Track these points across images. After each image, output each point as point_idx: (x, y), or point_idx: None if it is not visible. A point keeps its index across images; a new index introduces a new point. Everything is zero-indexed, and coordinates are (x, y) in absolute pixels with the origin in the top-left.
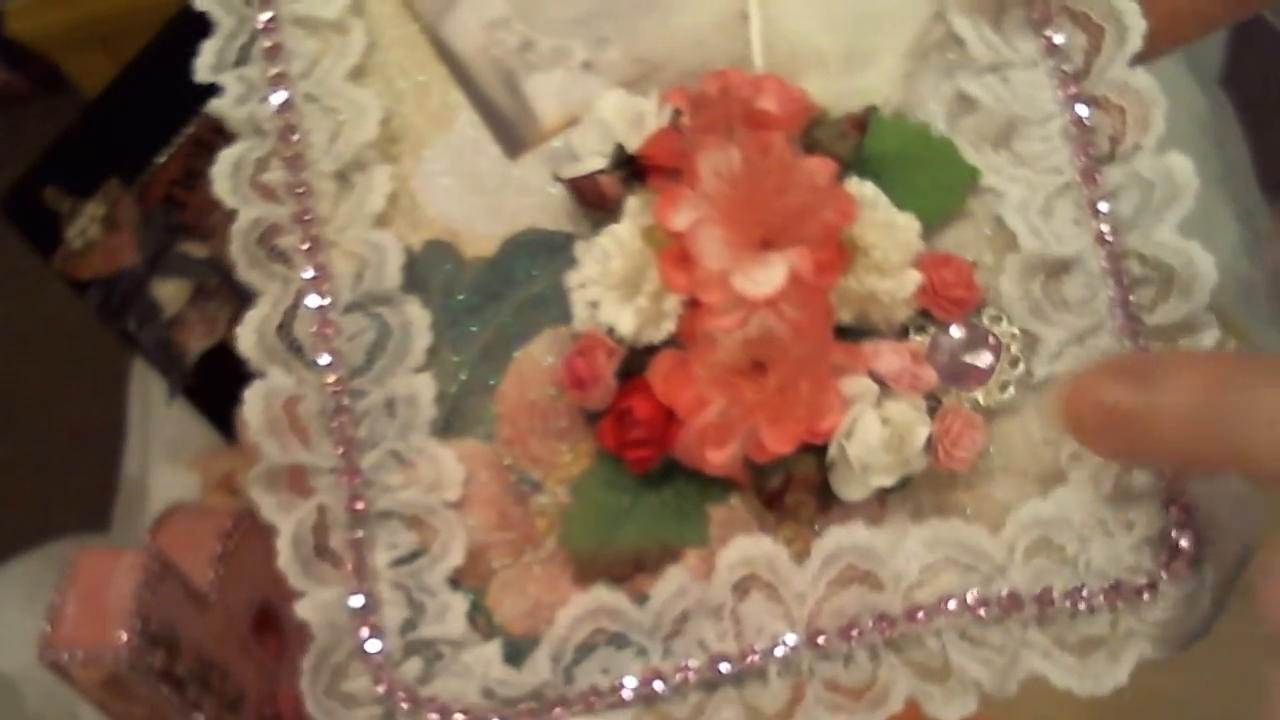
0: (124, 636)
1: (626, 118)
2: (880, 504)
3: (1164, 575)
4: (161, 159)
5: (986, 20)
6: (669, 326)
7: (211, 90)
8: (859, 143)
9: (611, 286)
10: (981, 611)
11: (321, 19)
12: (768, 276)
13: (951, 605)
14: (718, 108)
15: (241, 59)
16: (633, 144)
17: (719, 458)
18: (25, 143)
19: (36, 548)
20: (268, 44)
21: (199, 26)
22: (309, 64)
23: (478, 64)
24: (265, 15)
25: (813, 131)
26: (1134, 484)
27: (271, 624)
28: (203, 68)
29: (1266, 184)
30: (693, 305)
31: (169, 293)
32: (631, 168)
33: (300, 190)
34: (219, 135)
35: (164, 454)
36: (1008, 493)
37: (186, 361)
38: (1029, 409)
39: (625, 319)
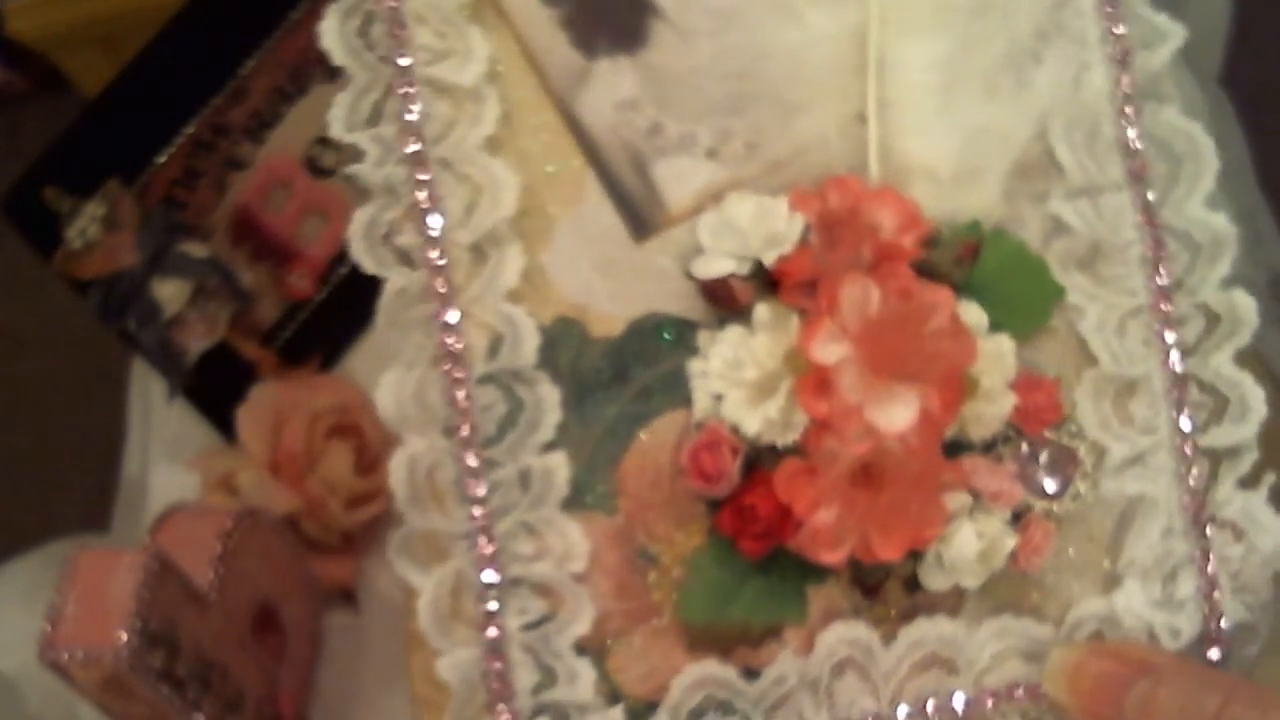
0: (124, 636)
1: (759, 225)
2: (959, 594)
3: None
4: (161, 159)
5: (1081, 139)
6: (794, 436)
7: (211, 91)
8: (971, 268)
9: (739, 384)
10: (1050, 699)
11: (457, 84)
12: (901, 414)
13: (1019, 692)
14: (847, 230)
15: (374, 117)
16: (767, 257)
17: (833, 558)
18: (25, 143)
19: (36, 548)
20: (403, 104)
21: (199, 27)
22: (444, 128)
23: (608, 143)
24: (402, 76)
25: (930, 255)
26: (1178, 593)
27: (271, 624)
28: (336, 123)
29: (1266, 184)
30: (821, 422)
31: (169, 293)
32: (763, 276)
33: (438, 260)
34: (219, 135)
35: (164, 454)
36: (1070, 590)
37: (186, 361)
38: (1094, 516)
39: (752, 423)
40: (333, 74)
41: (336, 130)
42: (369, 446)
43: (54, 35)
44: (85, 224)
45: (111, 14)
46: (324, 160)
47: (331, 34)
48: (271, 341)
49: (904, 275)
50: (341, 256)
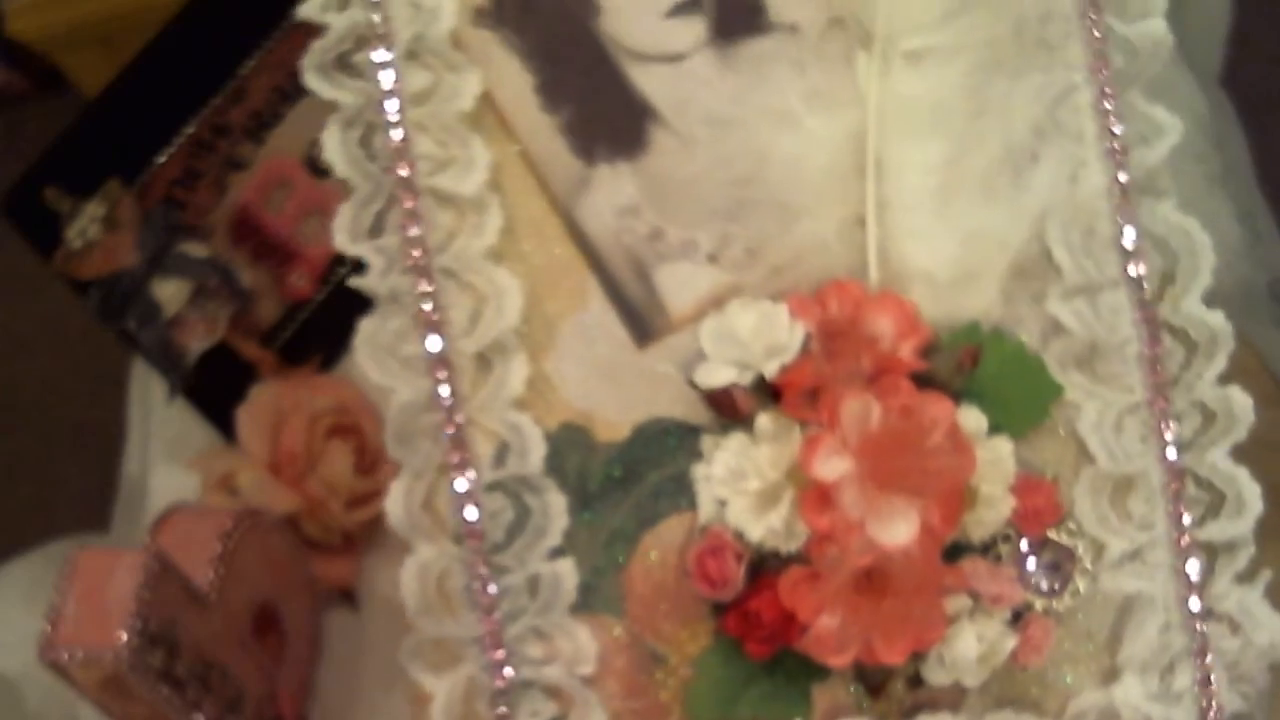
0: (124, 636)
1: (761, 335)
2: (961, 689)
3: None
4: (161, 159)
5: (1078, 238)
6: (797, 544)
7: (211, 91)
8: (971, 374)
9: (743, 493)
10: None
11: (459, 194)
12: (902, 530)
13: None
14: (847, 341)
15: (377, 227)
16: (769, 368)
17: (838, 662)
18: (25, 143)
19: (36, 548)
20: (405, 215)
21: (199, 27)
22: (446, 237)
23: (609, 249)
24: (403, 187)
25: (930, 363)
26: (1175, 686)
27: (271, 624)
28: (339, 234)
29: (1266, 184)
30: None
31: (169, 293)
32: (765, 385)
33: (442, 371)
34: (219, 135)
35: (164, 454)
36: (1069, 683)
37: (186, 361)
38: (1093, 612)
39: (756, 530)
40: None
41: (341, 242)
42: (369, 446)
43: (54, 35)
44: (85, 224)
45: (111, 14)
46: (324, 160)
47: (333, 145)
48: (271, 341)
49: (905, 388)
50: (341, 256)
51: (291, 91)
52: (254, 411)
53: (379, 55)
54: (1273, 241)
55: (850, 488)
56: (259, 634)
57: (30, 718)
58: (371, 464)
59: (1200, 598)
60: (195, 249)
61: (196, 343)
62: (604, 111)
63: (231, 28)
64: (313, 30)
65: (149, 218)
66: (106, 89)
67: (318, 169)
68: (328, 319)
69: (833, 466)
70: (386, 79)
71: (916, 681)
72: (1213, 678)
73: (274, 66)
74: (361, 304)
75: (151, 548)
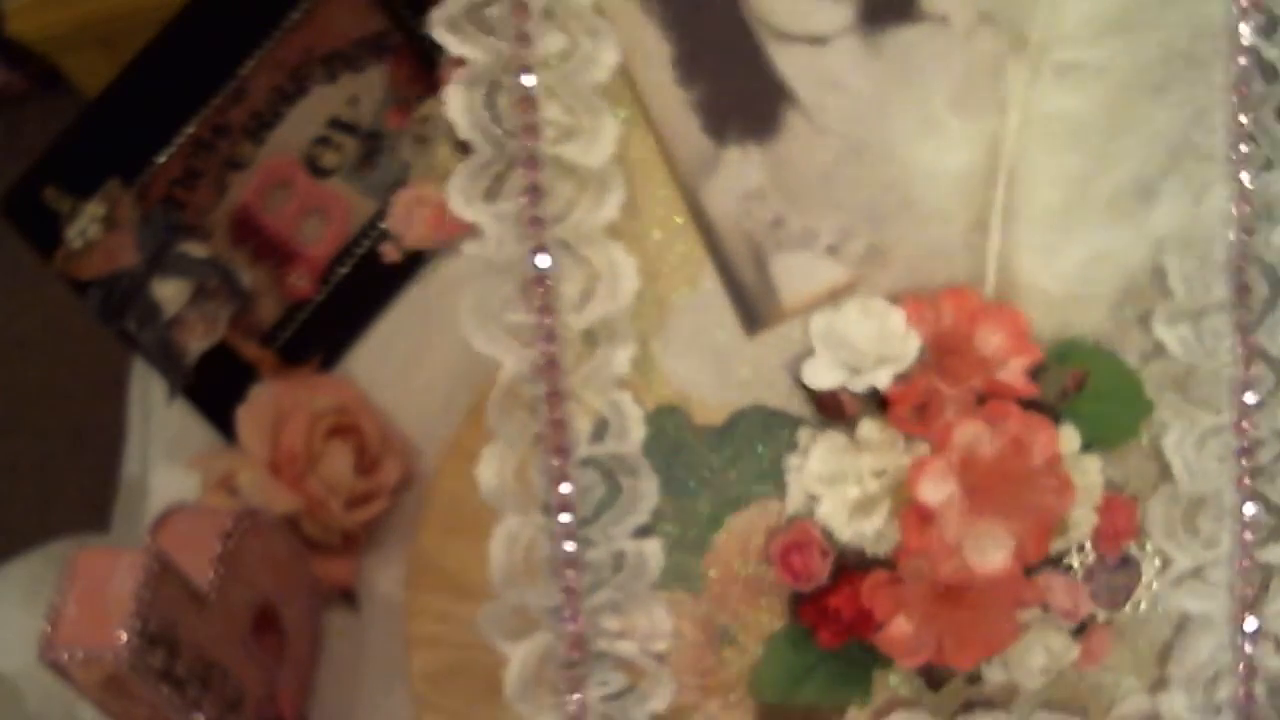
0: (124, 636)
1: (875, 342)
2: (1014, 686)
3: None
4: (161, 159)
5: (1194, 261)
6: (886, 549)
7: (211, 91)
8: (1076, 398)
9: (838, 497)
10: None
11: (584, 165)
12: (997, 557)
13: None
14: (961, 361)
15: (493, 191)
16: (880, 378)
17: (910, 663)
18: (25, 143)
19: (36, 548)
20: (526, 182)
21: (199, 27)
22: (565, 207)
23: (729, 233)
24: (527, 155)
25: (1038, 383)
26: (1216, 697)
27: (271, 624)
28: (455, 195)
29: None
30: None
31: (169, 293)
32: (873, 392)
33: (548, 345)
34: (219, 135)
35: (164, 454)
36: (1117, 689)
37: (186, 361)
38: (1151, 625)
39: (847, 533)
40: (333, 74)
41: (456, 204)
42: (369, 446)
43: (54, 35)
44: (85, 224)
45: (111, 14)
46: (324, 160)
47: (457, 104)
48: (271, 341)
49: (1014, 414)
50: (341, 256)
51: (291, 91)
52: (254, 411)
53: (516, 12)
54: None
55: (952, 512)
56: (259, 634)
57: (30, 718)
58: (371, 464)
59: (1255, 615)
60: (195, 249)
61: (196, 343)
62: (740, 90)
63: (231, 28)
64: (314, 30)
65: (149, 218)
66: (106, 89)
67: (318, 169)
68: (328, 319)
69: (939, 490)
70: (522, 38)
71: (974, 678)
72: (1254, 695)
73: (274, 66)
74: (362, 304)
75: (151, 548)
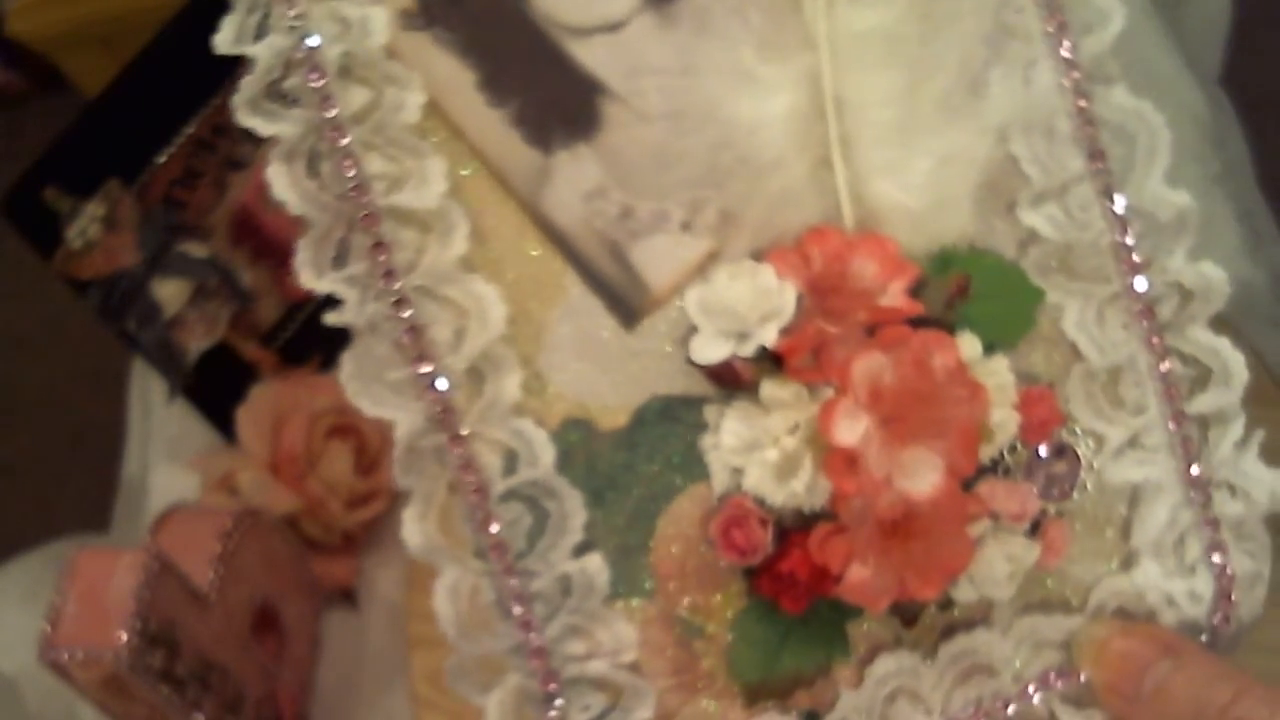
0: (124, 636)
1: (752, 302)
2: (988, 600)
3: (1216, 632)
4: (161, 159)
5: (1040, 139)
6: (821, 501)
7: (211, 91)
8: (963, 305)
9: (760, 463)
10: (1082, 676)
11: (421, 209)
12: (929, 479)
13: (1054, 678)
14: (841, 298)
15: (341, 257)
16: (766, 336)
17: (877, 606)
18: (25, 143)
19: (36, 548)
20: (369, 240)
21: (200, 27)
22: (415, 254)
23: (581, 236)
24: (362, 212)
25: (922, 299)
26: (1187, 558)
27: (271, 624)
28: (303, 269)
29: (1266, 184)
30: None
31: (169, 293)
32: (764, 351)
33: (436, 394)
34: (219, 135)
35: (164, 454)
36: (1089, 575)
37: (186, 361)
38: (1103, 503)
39: (779, 496)
40: None
41: (307, 280)
42: (369, 446)
43: (54, 35)
44: (85, 224)
45: (111, 14)
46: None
47: (281, 181)
48: (271, 341)
49: (907, 336)
50: None
51: None
52: (254, 411)
53: (312, 79)
54: (1273, 241)
55: (872, 447)
56: (259, 634)
57: (30, 718)
58: (371, 464)
59: (1200, 466)
60: (195, 249)
61: (196, 343)
62: (552, 95)
63: None
64: None
65: (149, 218)
66: (106, 89)
67: None
68: None
69: (852, 429)
70: (324, 102)
71: (946, 604)
72: (1221, 544)
73: None
74: None
75: (151, 548)
